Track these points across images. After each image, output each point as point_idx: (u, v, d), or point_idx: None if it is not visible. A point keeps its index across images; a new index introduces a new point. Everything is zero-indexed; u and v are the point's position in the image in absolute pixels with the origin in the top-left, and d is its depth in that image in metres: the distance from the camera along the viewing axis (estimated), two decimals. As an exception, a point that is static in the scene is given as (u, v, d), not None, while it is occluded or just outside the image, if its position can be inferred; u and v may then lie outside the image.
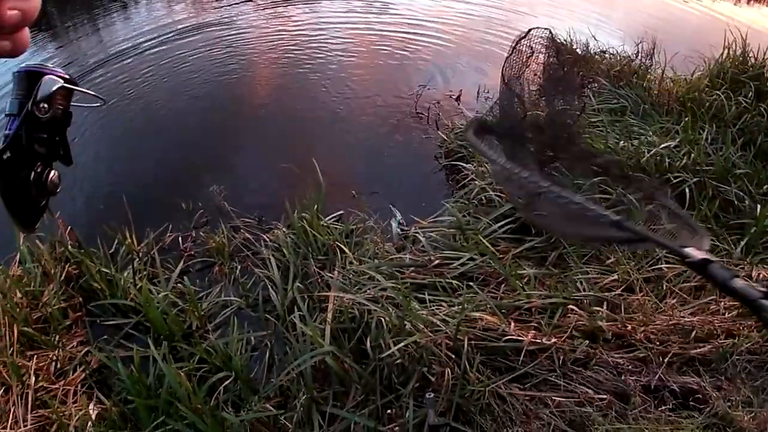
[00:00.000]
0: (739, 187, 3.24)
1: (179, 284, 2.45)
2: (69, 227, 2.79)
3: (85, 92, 0.76)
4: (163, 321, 2.28)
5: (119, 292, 2.47)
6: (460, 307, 1.98)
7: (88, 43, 5.71)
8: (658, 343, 2.24)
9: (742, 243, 2.96)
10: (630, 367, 2.25)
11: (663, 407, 2.17)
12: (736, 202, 3.21)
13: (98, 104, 0.80)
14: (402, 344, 1.81)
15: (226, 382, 2.07)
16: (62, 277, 2.63)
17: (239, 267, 2.44)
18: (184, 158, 3.75)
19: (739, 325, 2.51)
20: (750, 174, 3.37)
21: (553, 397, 2.03)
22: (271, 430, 1.98)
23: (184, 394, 2.03)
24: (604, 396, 2.13)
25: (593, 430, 2.02)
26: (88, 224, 2.97)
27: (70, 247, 2.69)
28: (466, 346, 1.88)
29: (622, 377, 2.21)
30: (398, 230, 2.78)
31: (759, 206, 3.12)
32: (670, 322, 2.35)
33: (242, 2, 6.56)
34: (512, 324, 2.04)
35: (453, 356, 1.87)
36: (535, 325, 2.12)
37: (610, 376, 2.20)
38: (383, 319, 1.88)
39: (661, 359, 2.26)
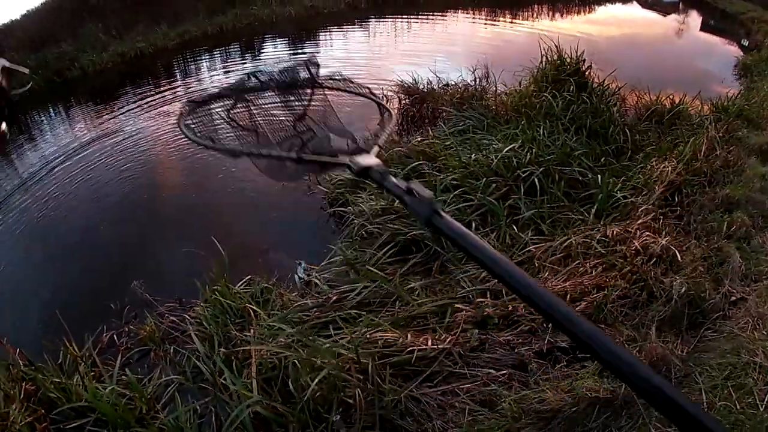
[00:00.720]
0: (580, 165, 3.42)
1: (123, 376, 2.34)
2: (18, 349, 2.64)
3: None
4: (114, 412, 2.17)
5: (73, 396, 2.35)
6: (360, 333, 1.97)
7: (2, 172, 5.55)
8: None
9: (593, 210, 3.09)
10: (520, 340, 2.31)
11: (558, 366, 2.21)
12: (580, 178, 3.37)
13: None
14: (317, 379, 1.78)
15: (183, 454, 1.98)
16: (22, 395, 2.48)
17: (172, 348, 2.37)
18: (103, 264, 3.68)
19: (606, 277, 2.63)
20: (587, 152, 3.56)
21: (461, 386, 2.05)
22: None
23: None
24: (505, 371, 2.17)
25: (503, 403, 2.04)
26: (31, 341, 2.83)
27: (22, 366, 2.53)
28: (371, 364, 1.89)
29: (516, 351, 2.26)
30: (303, 276, 2.76)
31: (599, 176, 3.29)
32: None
33: (124, 112, 6.65)
34: (409, 335, 2.07)
35: (361, 377, 1.85)
36: (432, 328, 2.15)
37: (506, 352, 2.26)
38: (296, 361, 1.85)
39: (545, 326, 2.32)
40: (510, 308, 2.35)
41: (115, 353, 2.57)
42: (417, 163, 3.39)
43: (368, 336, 1.97)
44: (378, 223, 2.80)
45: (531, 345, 2.32)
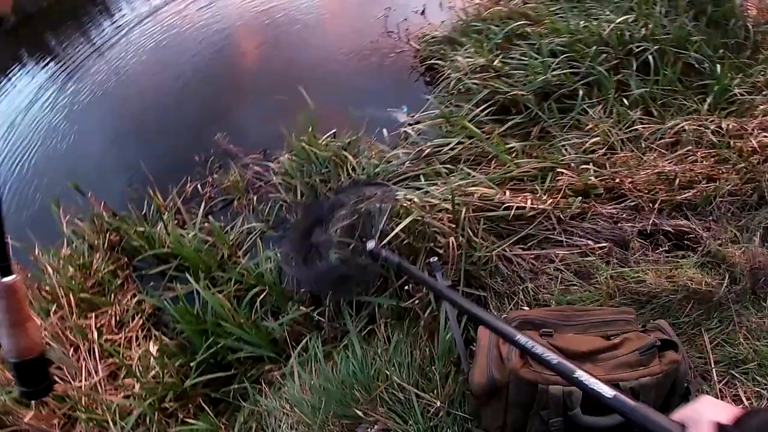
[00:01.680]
0: (697, 52, 2.95)
1: (206, 224, 2.31)
2: (102, 202, 2.69)
3: None
4: (197, 257, 2.15)
5: (156, 243, 2.35)
6: (454, 183, 1.78)
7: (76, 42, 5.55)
8: (646, 191, 2.02)
9: (708, 100, 2.69)
10: (624, 215, 2.06)
11: (659, 249, 1.98)
12: (696, 65, 2.93)
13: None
14: (403, 224, 1.62)
15: (262, 296, 1.94)
16: (106, 245, 2.57)
17: (255, 197, 2.29)
18: (186, 117, 3.63)
19: (718, 170, 2.30)
20: (706, 40, 3.07)
21: (557, 252, 1.85)
22: (308, 328, 1.85)
23: (227, 314, 1.94)
24: (604, 244, 1.95)
25: (598, 275, 1.83)
26: (118, 195, 2.92)
27: (107, 218, 2.57)
28: (464, 215, 1.69)
29: (618, 225, 2.02)
30: (406, 119, 2.58)
31: (718, 66, 2.85)
32: (655, 171, 2.11)
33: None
34: (507, 192, 1.84)
35: (455, 227, 1.67)
36: (531, 190, 1.93)
37: (607, 225, 2.03)
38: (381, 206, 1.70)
39: (651, 206, 2.06)
40: (617, 180, 2.09)
41: (199, 203, 2.57)
42: (518, 23, 3.00)
43: (463, 188, 1.78)
44: (476, 79, 2.53)
45: (635, 223, 2.07)
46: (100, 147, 3.58)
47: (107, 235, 2.58)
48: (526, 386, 1.22)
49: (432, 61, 3.28)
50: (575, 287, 1.84)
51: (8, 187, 3.34)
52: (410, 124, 2.58)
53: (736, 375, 1.64)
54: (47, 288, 2.41)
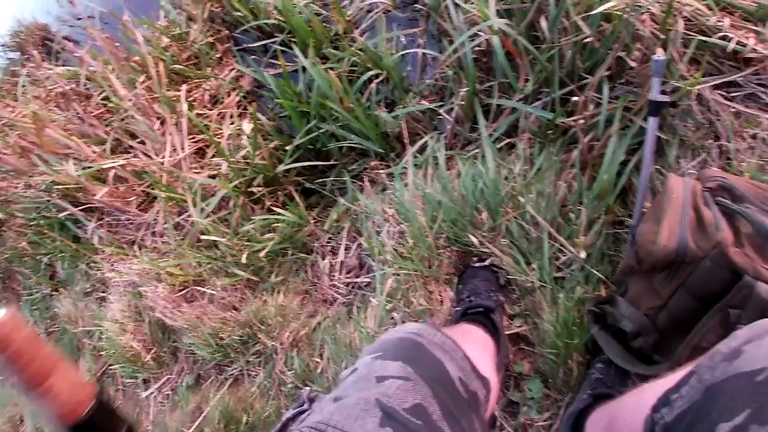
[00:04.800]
0: None
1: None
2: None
3: None
4: (307, 29, 1.77)
5: (262, 13, 1.95)
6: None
7: None
8: None
9: None
10: None
11: None
12: None
13: None
14: (594, 12, 1.16)
15: (378, 81, 1.57)
16: (205, 15, 2.18)
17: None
18: None
19: None
20: None
21: (766, 117, 1.36)
22: (428, 127, 1.48)
23: (335, 95, 1.59)
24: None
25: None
26: None
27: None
28: (680, 28, 1.20)
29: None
30: None
31: None
32: None
33: None
34: (728, 20, 1.32)
35: (661, 38, 1.20)
36: (756, 30, 1.39)
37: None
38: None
39: None
40: None
41: None
42: None
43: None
44: None
45: None
46: None
47: (207, 4, 2.20)
48: (727, 272, 0.88)
49: None
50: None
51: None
52: None
53: None
54: (136, 58, 2.10)
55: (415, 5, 1.67)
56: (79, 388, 0.52)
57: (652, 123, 1.04)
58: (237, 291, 1.68)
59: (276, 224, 1.65)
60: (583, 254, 1.19)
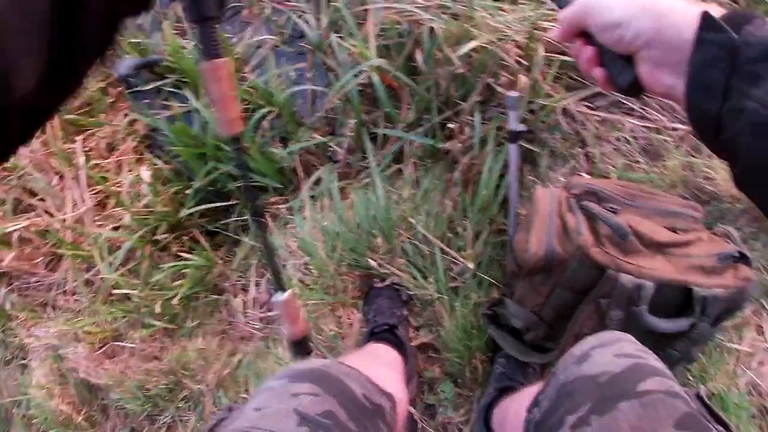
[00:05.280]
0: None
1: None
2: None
3: None
4: (197, 70, 1.76)
5: (149, 54, 1.93)
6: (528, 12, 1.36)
7: None
8: None
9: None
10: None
11: None
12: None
13: None
14: (465, 49, 1.24)
15: (271, 118, 1.59)
16: None
17: (270, 5, 1.83)
18: None
19: None
20: None
21: (627, 120, 1.49)
22: (321, 159, 1.53)
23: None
24: (680, 126, 1.58)
25: (668, 159, 1.50)
26: None
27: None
28: (541, 53, 1.29)
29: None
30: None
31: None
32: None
33: None
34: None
35: (525, 64, 1.30)
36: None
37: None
38: (436, 28, 1.30)
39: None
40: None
41: None
42: None
43: (537, 23, 1.37)
44: None
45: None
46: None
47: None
48: (592, 269, 1.00)
49: None
50: (640, 166, 1.52)
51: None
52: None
53: (766, 306, 1.44)
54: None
55: (302, 39, 1.70)
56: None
57: (512, 149, 1.13)
58: (155, 341, 1.67)
59: (185, 269, 1.65)
60: (471, 264, 1.28)
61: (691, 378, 1.35)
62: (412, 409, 1.34)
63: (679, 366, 1.31)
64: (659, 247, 1.05)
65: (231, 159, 1.62)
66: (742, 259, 1.06)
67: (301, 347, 0.90)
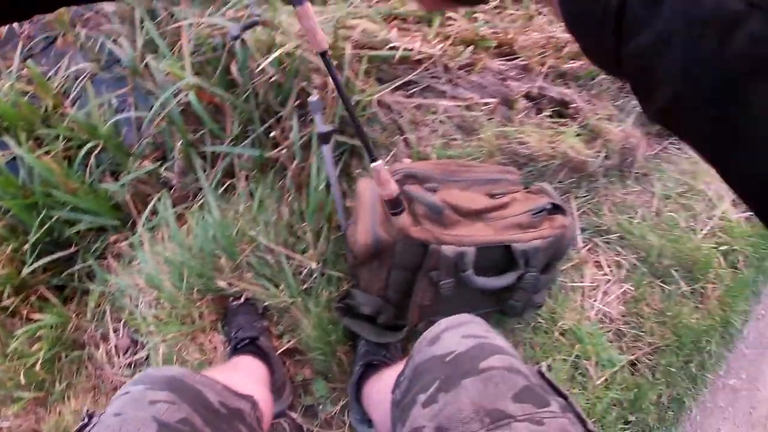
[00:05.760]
0: None
1: (24, 70, 1.75)
2: None
3: None
4: (15, 113, 1.64)
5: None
6: (335, 13, 1.43)
7: None
8: (537, 54, 1.84)
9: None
10: (512, 74, 1.86)
11: (542, 114, 1.82)
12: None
13: None
14: (272, 56, 1.27)
15: (96, 153, 1.52)
16: None
17: (83, 31, 1.74)
18: None
19: None
20: None
21: (440, 103, 1.62)
22: (156, 187, 1.49)
23: (57, 180, 1.48)
24: (490, 100, 1.74)
25: (482, 132, 1.65)
26: None
27: None
28: (347, 52, 1.36)
29: (506, 83, 1.82)
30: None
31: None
32: (544, 34, 1.92)
33: None
34: (394, 31, 1.54)
35: (335, 63, 1.36)
36: (417, 34, 1.63)
37: (495, 81, 1.80)
38: (246, 38, 1.32)
39: (539, 69, 1.87)
40: (509, 36, 1.87)
41: (15, 45, 1.85)
42: None
43: (344, 21, 1.44)
44: None
45: (522, 83, 1.89)
46: None
47: None
48: (416, 246, 1.08)
49: None
50: (457, 142, 1.65)
51: None
52: None
53: (599, 243, 1.63)
54: None
55: (120, 64, 1.64)
56: None
57: (325, 150, 1.18)
58: (29, 413, 1.54)
59: (40, 331, 1.53)
60: (315, 264, 1.32)
61: (542, 320, 1.49)
62: (294, 414, 1.37)
63: (528, 313, 1.46)
64: (477, 215, 1.15)
65: (63, 204, 1.53)
66: (556, 209, 1.19)
67: (394, 205, 1.03)
